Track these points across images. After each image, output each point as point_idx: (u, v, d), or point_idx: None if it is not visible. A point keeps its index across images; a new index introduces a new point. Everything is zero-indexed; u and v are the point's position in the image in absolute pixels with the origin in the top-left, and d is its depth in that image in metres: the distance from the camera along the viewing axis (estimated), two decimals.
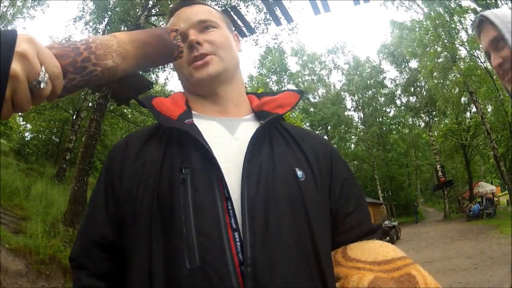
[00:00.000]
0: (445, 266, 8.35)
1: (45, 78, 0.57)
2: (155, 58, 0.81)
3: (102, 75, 0.70)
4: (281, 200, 0.75)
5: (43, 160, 16.79)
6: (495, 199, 23.67)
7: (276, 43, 18.40)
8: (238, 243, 0.68)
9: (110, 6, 15.74)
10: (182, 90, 1.02)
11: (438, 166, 29.08)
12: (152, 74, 18.18)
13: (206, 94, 0.93)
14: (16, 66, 0.52)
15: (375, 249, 0.80)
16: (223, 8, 11.52)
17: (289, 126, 0.96)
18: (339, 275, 0.78)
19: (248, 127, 0.88)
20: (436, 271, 7.78)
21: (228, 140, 0.85)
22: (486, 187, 26.35)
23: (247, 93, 1.03)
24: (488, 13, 1.10)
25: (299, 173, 0.81)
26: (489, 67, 22.84)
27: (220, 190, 0.73)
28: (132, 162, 0.83)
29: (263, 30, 14.61)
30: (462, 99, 27.17)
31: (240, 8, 10.11)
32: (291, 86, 43.51)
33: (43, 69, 0.57)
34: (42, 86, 0.56)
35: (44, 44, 0.63)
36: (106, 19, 15.79)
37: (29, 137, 21.74)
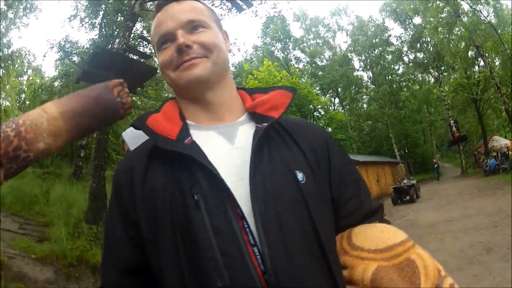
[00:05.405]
0: (466, 224, 8.34)
1: None
2: (93, 125, 0.77)
3: (36, 158, 0.70)
4: (287, 209, 0.77)
5: (59, 161, 16.91)
6: (510, 153, 23.10)
7: (276, 12, 18.14)
8: (259, 256, 0.72)
9: None
10: None
11: (452, 121, 28.49)
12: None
13: (195, 99, 0.90)
14: None
15: (376, 236, 0.83)
16: None
17: (283, 121, 0.93)
18: (345, 264, 0.82)
19: (246, 132, 0.87)
20: (458, 230, 7.83)
21: (229, 152, 0.84)
22: (500, 141, 25.57)
23: (237, 88, 1.00)
24: None
25: (300, 175, 0.82)
26: (493, 21, 22.19)
27: (233, 211, 0.75)
28: (141, 186, 0.82)
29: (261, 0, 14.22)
30: (469, 53, 26.45)
31: None
32: (297, 52, 43.44)
33: None
34: None
35: None
36: (101, 13, 15.55)
37: None
